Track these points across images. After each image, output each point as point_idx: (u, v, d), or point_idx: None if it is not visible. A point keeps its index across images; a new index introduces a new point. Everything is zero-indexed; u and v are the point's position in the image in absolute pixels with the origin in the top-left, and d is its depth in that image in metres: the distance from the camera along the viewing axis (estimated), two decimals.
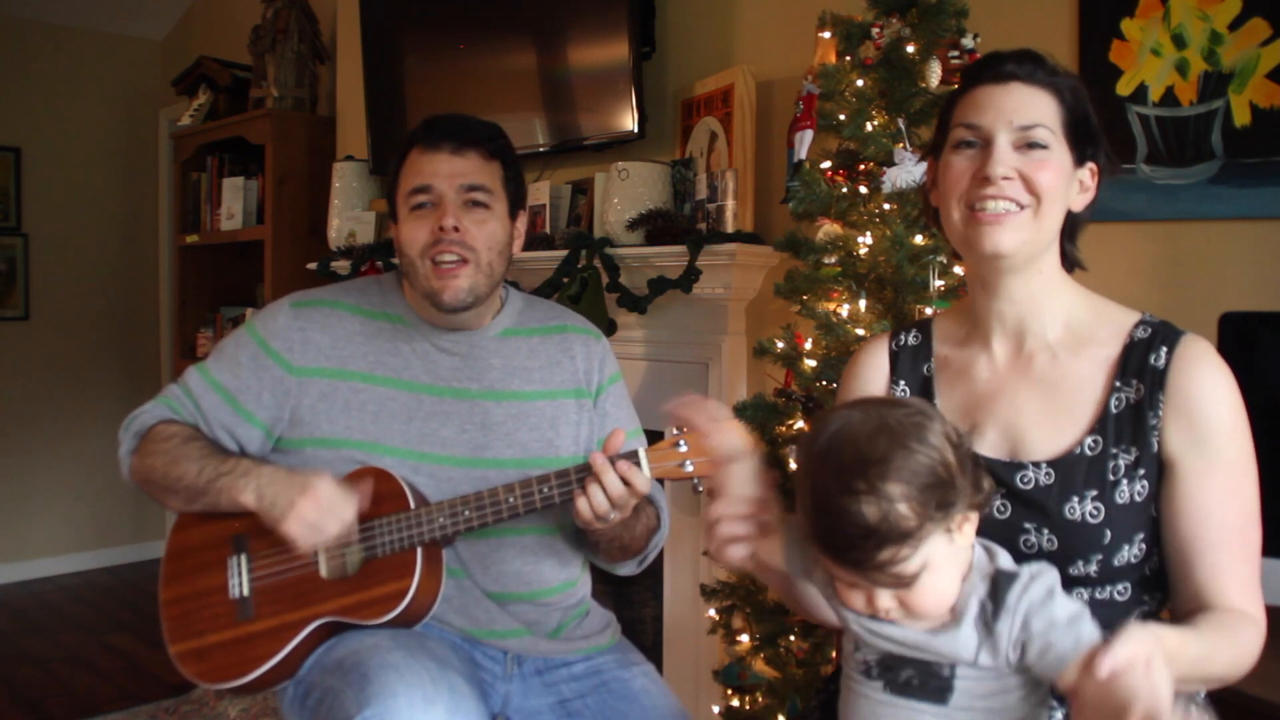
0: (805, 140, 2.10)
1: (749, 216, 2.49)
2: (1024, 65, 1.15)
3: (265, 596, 1.49)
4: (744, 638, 2.14)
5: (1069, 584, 1.08)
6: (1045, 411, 1.15)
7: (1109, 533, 1.09)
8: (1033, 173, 1.12)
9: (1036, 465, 1.13)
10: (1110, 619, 1.12)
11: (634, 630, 2.72)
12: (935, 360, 1.26)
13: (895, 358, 1.29)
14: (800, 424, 2.00)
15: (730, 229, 2.44)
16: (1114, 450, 1.11)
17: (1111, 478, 1.10)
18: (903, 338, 1.30)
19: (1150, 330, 1.15)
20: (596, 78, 2.79)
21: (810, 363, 1.96)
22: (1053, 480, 1.11)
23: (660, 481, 1.48)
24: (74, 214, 4.94)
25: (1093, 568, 1.09)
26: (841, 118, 1.96)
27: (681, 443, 1.40)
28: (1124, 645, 0.88)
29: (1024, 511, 1.11)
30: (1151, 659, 0.87)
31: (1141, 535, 1.10)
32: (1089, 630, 0.95)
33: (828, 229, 1.99)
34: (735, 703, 2.19)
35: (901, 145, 1.87)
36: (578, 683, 1.61)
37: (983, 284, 1.20)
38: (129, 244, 5.13)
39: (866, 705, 1.05)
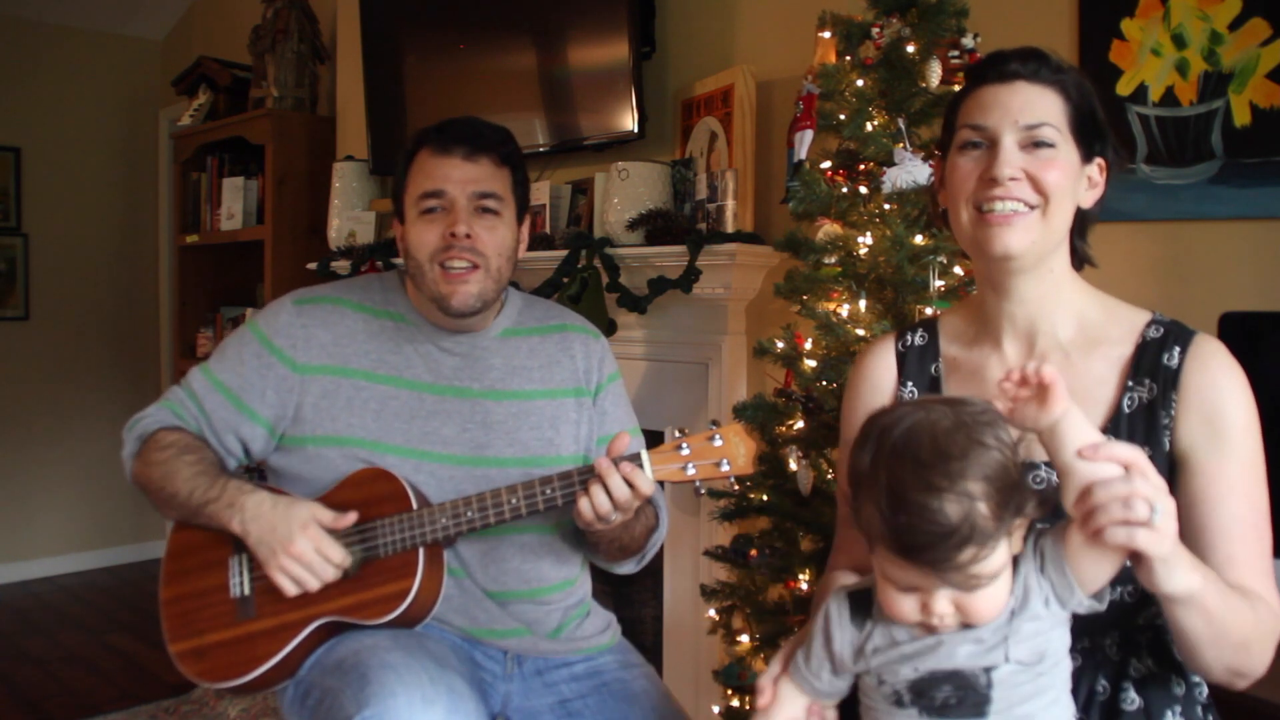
0: (805, 140, 2.10)
1: (749, 216, 2.49)
2: (1028, 63, 1.14)
3: (266, 596, 1.49)
4: (744, 638, 2.14)
5: None
6: None
7: None
8: (1040, 172, 1.12)
9: (1049, 465, 1.12)
10: (1119, 621, 1.13)
11: (634, 630, 2.72)
12: (944, 360, 1.26)
13: (902, 359, 1.28)
14: (800, 424, 2.00)
15: (730, 229, 2.44)
16: None
17: None
18: (909, 338, 1.30)
19: (1163, 330, 1.15)
20: (596, 78, 2.79)
21: (810, 363, 1.96)
22: None
23: (660, 484, 1.48)
24: (74, 214, 4.94)
25: None
26: (841, 118, 1.95)
27: (684, 446, 1.40)
28: (1121, 445, 0.93)
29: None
30: (1146, 466, 0.92)
31: None
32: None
33: (828, 229, 1.99)
34: (735, 703, 2.19)
35: (901, 145, 1.87)
36: (578, 683, 1.61)
37: (992, 285, 1.20)
38: (129, 244, 5.13)
39: None
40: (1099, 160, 1.18)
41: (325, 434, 1.56)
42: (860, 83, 1.94)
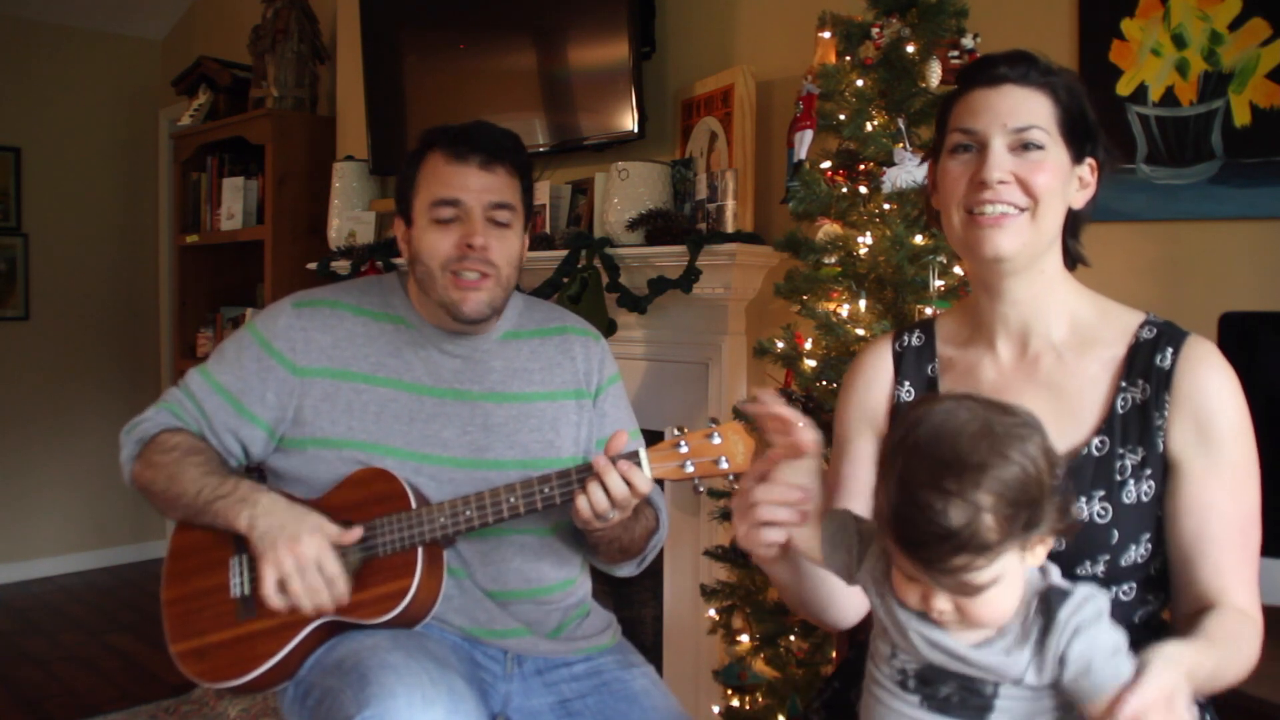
0: (805, 140, 2.10)
1: (749, 216, 2.49)
2: (1016, 67, 1.14)
3: None
4: (744, 638, 2.15)
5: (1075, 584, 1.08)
6: (1052, 412, 1.14)
7: (1116, 533, 1.09)
8: (1029, 175, 1.12)
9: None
10: (1115, 619, 1.13)
11: (634, 630, 2.72)
12: (940, 361, 1.26)
13: (899, 359, 1.28)
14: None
15: (730, 229, 2.44)
16: (1121, 451, 1.11)
17: (1119, 478, 1.10)
18: (906, 338, 1.30)
19: (1155, 331, 1.15)
20: (596, 78, 2.79)
21: (810, 363, 1.96)
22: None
23: (660, 483, 1.48)
24: (74, 214, 4.94)
25: (1099, 568, 1.09)
26: (841, 118, 1.96)
27: (682, 443, 1.40)
28: (1151, 682, 0.87)
29: None
30: (1175, 695, 0.87)
31: (1147, 535, 1.10)
32: (1126, 666, 0.92)
33: (828, 229, 1.99)
34: (735, 703, 2.19)
35: (901, 145, 1.87)
36: (578, 683, 1.61)
37: (985, 287, 1.20)
38: (129, 244, 5.13)
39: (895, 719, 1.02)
40: (1090, 161, 1.18)
41: (325, 437, 1.56)
42: (860, 83, 1.94)
